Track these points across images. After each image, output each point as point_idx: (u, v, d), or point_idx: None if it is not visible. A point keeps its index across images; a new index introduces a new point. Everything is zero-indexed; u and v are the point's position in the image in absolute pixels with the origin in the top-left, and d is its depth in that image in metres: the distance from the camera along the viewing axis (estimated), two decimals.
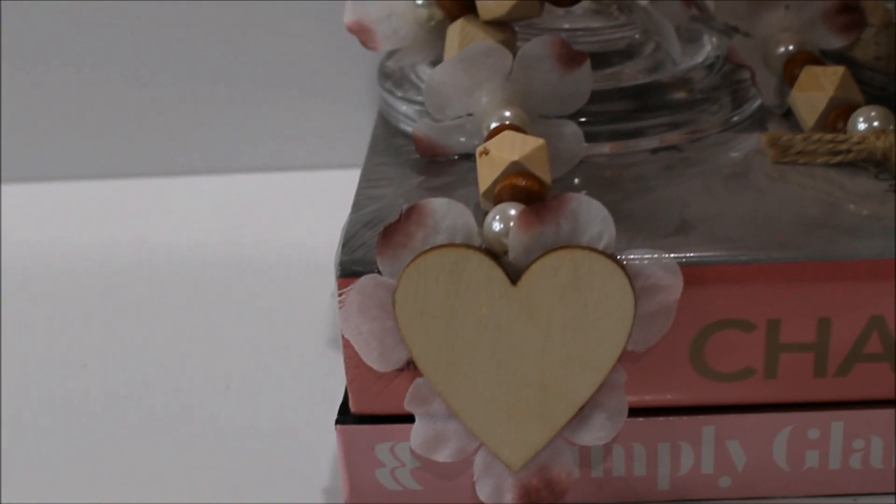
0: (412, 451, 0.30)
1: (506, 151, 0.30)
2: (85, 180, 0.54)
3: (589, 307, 0.28)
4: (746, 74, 0.37)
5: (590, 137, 0.35)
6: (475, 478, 0.30)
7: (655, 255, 0.29)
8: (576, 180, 0.34)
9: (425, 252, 0.28)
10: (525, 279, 0.28)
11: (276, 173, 0.53)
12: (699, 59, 0.38)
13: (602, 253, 0.28)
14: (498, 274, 0.28)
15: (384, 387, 0.31)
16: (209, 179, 0.54)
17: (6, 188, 0.54)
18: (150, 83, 0.53)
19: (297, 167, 0.53)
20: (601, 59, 0.38)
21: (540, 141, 0.30)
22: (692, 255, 0.30)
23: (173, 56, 0.52)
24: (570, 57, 0.33)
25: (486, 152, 0.30)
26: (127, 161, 0.54)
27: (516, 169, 0.30)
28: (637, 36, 0.39)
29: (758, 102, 0.37)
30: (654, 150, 0.36)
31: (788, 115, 0.37)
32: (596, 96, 0.35)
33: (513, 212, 0.29)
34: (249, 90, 0.53)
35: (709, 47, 0.39)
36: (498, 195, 0.30)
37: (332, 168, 0.53)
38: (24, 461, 0.37)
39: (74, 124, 0.54)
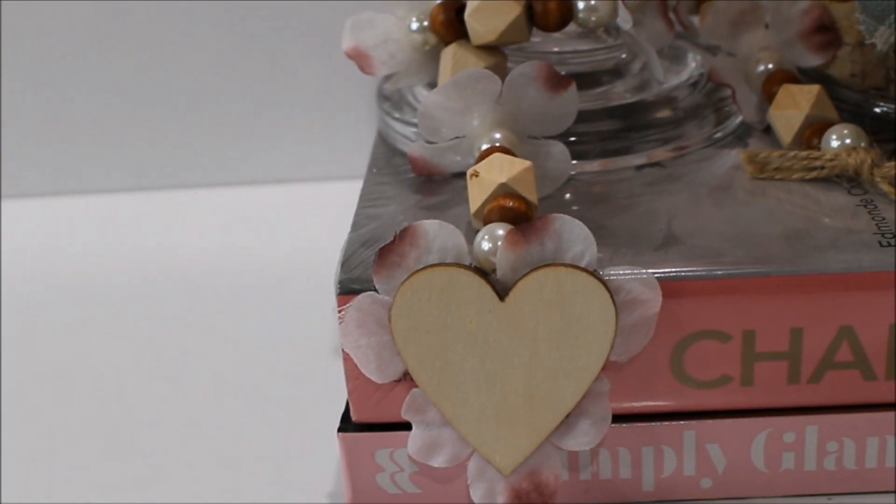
0: (410, 457, 0.32)
1: (494, 174, 0.31)
2: (85, 195, 0.55)
3: (573, 321, 0.30)
4: (728, 92, 0.39)
5: (580, 155, 0.37)
6: (469, 481, 0.31)
7: (635, 271, 0.30)
8: (567, 196, 0.36)
9: (418, 271, 0.30)
10: (512, 295, 0.30)
11: (281, 185, 0.55)
12: (683, 77, 0.40)
13: (584, 270, 0.29)
14: (487, 291, 0.30)
15: (382, 397, 0.32)
16: (214, 192, 0.55)
17: (6, 203, 0.54)
18: (152, 98, 0.54)
19: (303, 179, 0.55)
20: (590, 79, 0.40)
21: (527, 163, 0.32)
22: (670, 270, 0.31)
23: (175, 71, 0.53)
24: (556, 80, 0.34)
25: (476, 174, 0.32)
26: (128, 175, 0.55)
27: (504, 190, 0.31)
28: (624, 56, 0.40)
29: (739, 119, 0.39)
30: (640, 167, 0.37)
31: (768, 130, 0.38)
32: (586, 116, 0.37)
33: (500, 232, 0.30)
34: (254, 104, 0.54)
35: (693, 65, 0.41)
36: (487, 216, 0.31)
37: (336, 179, 0.54)
38: (29, 472, 0.38)
39: (75, 139, 0.54)
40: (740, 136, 0.39)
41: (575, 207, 0.35)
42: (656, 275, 0.31)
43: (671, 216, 0.34)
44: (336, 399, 0.34)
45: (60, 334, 0.46)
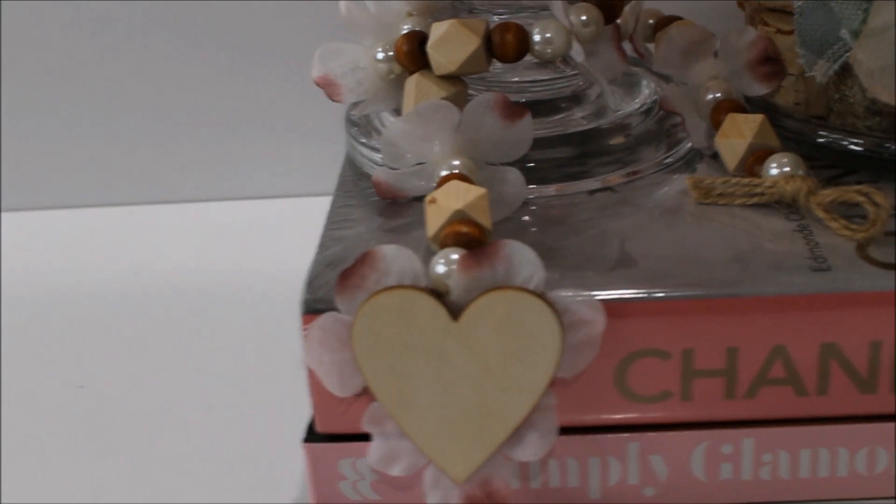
0: (370, 466, 0.33)
1: (451, 200, 0.33)
2: (75, 209, 0.57)
3: (522, 340, 0.31)
4: (679, 119, 0.41)
5: (539, 180, 0.39)
6: (425, 490, 0.33)
7: (581, 294, 0.32)
8: (525, 218, 0.38)
9: (378, 293, 0.31)
10: (465, 316, 0.31)
11: (258, 200, 0.56)
12: (636, 105, 0.42)
13: (533, 293, 0.31)
14: (441, 311, 0.31)
15: (345, 410, 0.34)
16: (187, 207, 0.56)
17: (5, 216, 0.56)
18: (140, 119, 0.56)
19: (275, 195, 0.56)
20: (549, 106, 0.42)
21: (481, 190, 0.34)
22: (614, 292, 0.33)
23: (163, 95, 0.55)
24: (511, 110, 0.36)
25: (433, 201, 0.34)
26: (116, 190, 0.57)
27: (459, 217, 0.33)
28: (581, 83, 0.42)
29: (689, 145, 0.41)
30: (592, 192, 0.39)
31: (717, 156, 0.40)
32: (544, 143, 0.39)
33: (455, 256, 0.32)
34: (233, 123, 0.56)
35: (646, 92, 0.43)
36: (443, 240, 0.33)
37: (306, 195, 0.56)
38: (24, 477, 0.40)
39: (69, 157, 0.56)
40: (689, 162, 0.40)
41: (533, 229, 0.37)
42: (601, 297, 0.33)
43: (622, 238, 0.36)
44: (302, 411, 0.36)
45: (51, 343, 0.47)
